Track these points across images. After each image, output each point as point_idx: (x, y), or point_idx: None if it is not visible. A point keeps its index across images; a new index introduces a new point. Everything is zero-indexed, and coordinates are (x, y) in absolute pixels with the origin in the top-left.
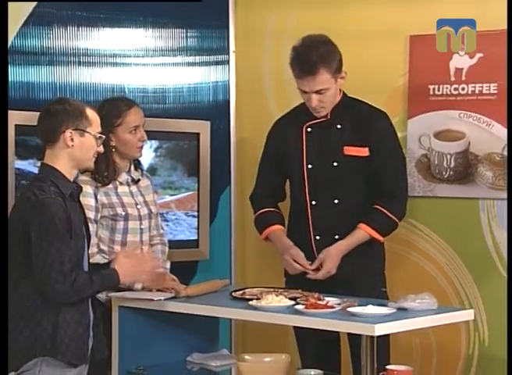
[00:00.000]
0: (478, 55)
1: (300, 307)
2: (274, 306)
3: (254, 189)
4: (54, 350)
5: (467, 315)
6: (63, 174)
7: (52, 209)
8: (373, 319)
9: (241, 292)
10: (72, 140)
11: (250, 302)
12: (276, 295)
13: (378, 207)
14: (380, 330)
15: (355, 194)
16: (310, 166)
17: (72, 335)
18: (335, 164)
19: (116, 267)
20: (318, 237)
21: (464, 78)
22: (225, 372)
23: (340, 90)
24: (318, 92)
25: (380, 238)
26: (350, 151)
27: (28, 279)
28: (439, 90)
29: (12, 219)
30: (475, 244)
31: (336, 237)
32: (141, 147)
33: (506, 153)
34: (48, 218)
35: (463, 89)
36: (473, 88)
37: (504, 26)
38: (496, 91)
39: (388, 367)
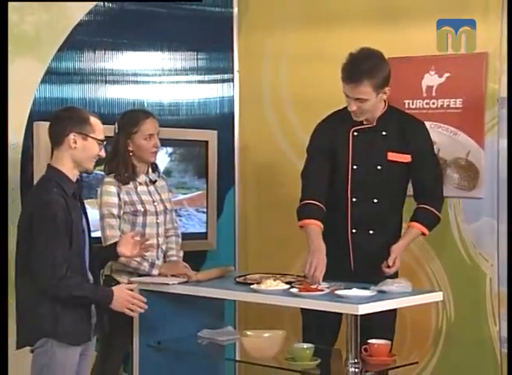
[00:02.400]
0: (446, 74)
1: (294, 290)
2: (272, 289)
3: (304, 188)
4: (56, 332)
5: (437, 296)
6: (67, 175)
7: (53, 209)
8: (357, 301)
9: (244, 277)
10: (75, 142)
11: (252, 286)
12: (274, 280)
13: (425, 206)
14: (363, 309)
15: (392, 196)
16: (355, 167)
17: (73, 318)
18: (378, 167)
19: (115, 291)
20: (354, 231)
21: (434, 94)
22: (230, 345)
23: (385, 101)
24: (357, 100)
25: (427, 234)
26: (393, 156)
27: (30, 267)
28: (413, 104)
29: (22, 216)
30: (444, 236)
31: (371, 232)
32: (155, 152)
33: (469, 158)
34: (49, 216)
35: (433, 103)
36: (442, 103)
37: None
38: (461, 105)
39: (369, 341)
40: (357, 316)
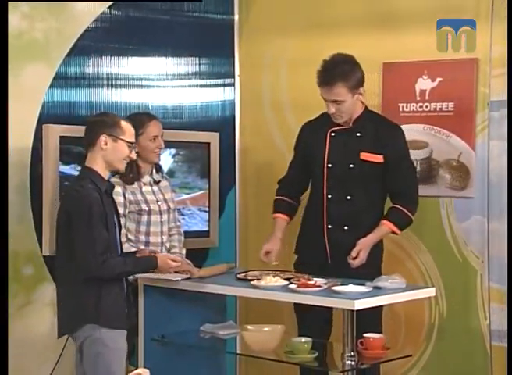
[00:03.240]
0: (439, 79)
1: (293, 286)
2: (271, 285)
3: (281, 181)
4: (97, 317)
5: (430, 292)
6: (99, 173)
7: (89, 202)
8: (353, 296)
9: (244, 274)
10: (105, 143)
11: (252, 282)
12: (273, 276)
13: (397, 206)
14: (359, 304)
15: (365, 193)
16: (330, 165)
17: (112, 305)
18: (351, 166)
19: (158, 257)
20: (329, 226)
21: (427, 98)
22: (232, 339)
23: (363, 103)
24: (334, 102)
25: (398, 232)
26: (366, 156)
27: (72, 258)
28: (407, 107)
29: (60, 211)
30: (436, 234)
31: (345, 228)
32: (159, 153)
33: (461, 159)
34: (86, 208)
35: (426, 107)
36: (434, 106)
37: (459, 56)
38: (453, 109)
39: (365, 335)
40: (353, 311)
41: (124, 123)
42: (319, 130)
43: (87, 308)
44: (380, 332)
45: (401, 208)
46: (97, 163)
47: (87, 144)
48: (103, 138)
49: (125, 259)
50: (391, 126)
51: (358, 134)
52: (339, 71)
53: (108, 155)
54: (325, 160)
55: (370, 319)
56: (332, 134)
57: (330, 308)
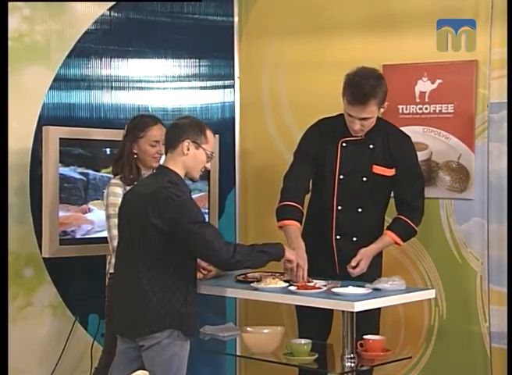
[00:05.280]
0: (438, 81)
1: (292, 288)
2: (271, 287)
3: (285, 187)
4: (181, 324)
5: (430, 294)
6: (181, 176)
7: (192, 205)
8: (353, 298)
9: (244, 276)
10: (188, 149)
11: (252, 284)
12: (273, 278)
13: (402, 217)
14: (359, 306)
15: (375, 206)
16: (341, 177)
17: (192, 313)
18: (364, 179)
19: (285, 246)
20: (338, 237)
21: (426, 100)
22: (231, 341)
23: None
24: (362, 119)
25: (401, 244)
26: (378, 170)
27: (161, 263)
28: (406, 109)
29: (151, 214)
30: (436, 235)
31: (354, 239)
32: (158, 158)
33: (461, 161)
34: (193, 212)
35: (426, 109)
36: (434, 108)
37: (459, 58)
38: (452, 111)
39: (364, 337)
40: (353, 312)
41: (209, 132)
42: (328, 138)
43: (174, 314)
44: (378, 333)
45: (406, 219)
46: (177, 167)
47: (168, 145)
48: (186, 143)
49: (251, 245)
50: (401, 137)
51: (371, 146)
52: (371, 88)
53: (188, 161)
54: (337, 171)
55: (368, 320)
56: (344, 145)
57: (330, 310)
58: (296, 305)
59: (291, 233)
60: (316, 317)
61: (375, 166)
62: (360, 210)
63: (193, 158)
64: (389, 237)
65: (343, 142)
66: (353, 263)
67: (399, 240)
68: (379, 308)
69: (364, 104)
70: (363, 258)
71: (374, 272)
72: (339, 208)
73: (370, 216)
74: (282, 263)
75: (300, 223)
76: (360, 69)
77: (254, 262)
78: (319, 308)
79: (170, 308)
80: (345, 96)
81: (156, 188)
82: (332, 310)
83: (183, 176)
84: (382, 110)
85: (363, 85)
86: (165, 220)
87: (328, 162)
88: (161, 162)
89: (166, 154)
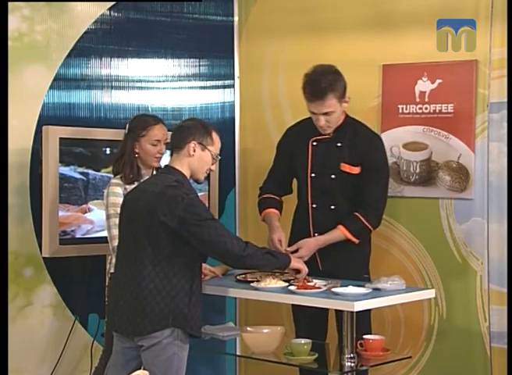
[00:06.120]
0: (438, 80)
1: (292, 288)
2: (271, 287)
3: (264, 182)
4: (184, 323)
5: (429, 293)
6: (186, 176)
7: (199, 203)
8: (352, 298)
9: (244, 275)
10: (194, 150)
11: (252, 284)
12: (273, 278)
13: (357, 214)
14: (358, 306)
15: (348, 203)
16: (313, 175)
17: (197, 313)
18: (333, 177)
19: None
20: (316, 234)
21: (426, 99)
22: (231, 341)
23: (343, 111)
24: (325, 114)
25: (354, 240)
26: (345, 168)
27: (168, 261)
28: (406, 109)
29: (159, 212)
30: (436, 235)
31: None
32: (159, 158)
33: (461, 161)
34: (203, 209)
35: (426, 108)
36: (434, 108)
37: (459, 57)
38: (452, 110)
39: (364, 337)
40: (353, 312)
41: (215, 135)
42: (302, 138)
43: (177, 313)
44: (370, 333)
45: (360, 216)
46: (183, 167)
47: (175, 146)
48: (192, 145)
49: (260, 248)
50: (369, 136)
51: (338, 144)
52: (327, 82)
53: (194, 162)
54: (309, 170)
55: (360, 320)
56: (314, 144)
57: (326, 310)
58: (292, 306)
59: (270, 217)
60: (311, 317)
61: (342, 164)
62: (333, 207)
63: (199, 160)
64: (339, 231)
65: (313, 141)
66: (290, 249)
67: (349, 235)
68: (370, 310)
69: (322, 98)
70: (303, 247)
71: (358, 269)
72: (314, 206)
73: (344, 214)
74: None
75: (280, 211)
76: (316, 66)
77: (262, 262)
78: (314, 307)
79: (174, 307)
80: (304, 94)
81: (164, 187)
82: (328, 310)
83: (188, 177)
84: (345, 105)
85: (320, 80)
86: (174, 218)
87: (301, 161)
88: (164, 162)
89: (172, 155)
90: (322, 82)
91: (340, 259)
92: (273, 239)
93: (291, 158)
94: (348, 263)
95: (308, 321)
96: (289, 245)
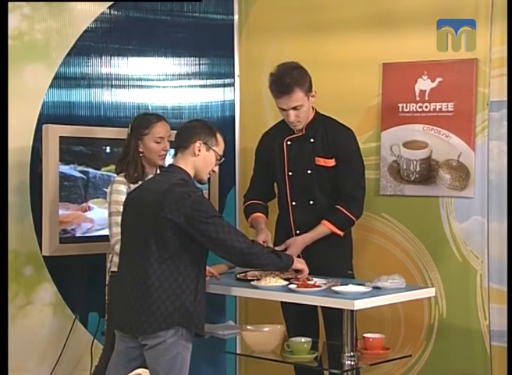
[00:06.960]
0: (438, 79)
1: (292, 286)
2: (271, 286)
3: (247, 191)
4: (189, 322)
5: (430, 292)
6: (192, 178)
7: (206, 200)
8: (353, 296)
9: (244, 274)
10: (199, 150)
11: (252, 282)
12: (273, 277)
13: (339, 207)
14: (359, 305)
15: (326, 197)
16: (290, 174)
17: (201, 312)
18: (309, 172)
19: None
20: (297, 232)
21: (426, 98)
22: (231, 339)
23: (313, 108)
24: (294, 108)
25: (339, 233)
26: (320, 161)
27: (174, 259)
28: (406, 108)
29: (166, 209)
30: (436, 234)
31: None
32: (164, 155)
33: (461, 159)
34: (210, 206)
35: (426, 107)
36: (434, 106)
37: (459, 56)
38: (452, 109)
39: (364, 335)
40: (353, 311)
41: (219, 136)
42: (276, 141)
43: (183, 312)
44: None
45: (342, 208)
46: (188, 167)
47: (179, 145)
48: (197, 144)
49: (264, 248)
50: (340, 129)
51: (311, 140)
52: (292, 77)
53: (199, 162)
54: (286, 169)
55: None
56: (288, 143)
57: (315, 308)
58: (281, 303)
59: (258, 221)
60: (300, 315)
61: (316, 158)
62: (311, 202)
63: (203, 160)
64: (324, 226)
65: (287, 141)
66: (278, 248)
67: (335, 229)
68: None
69: (289, 93)
70: (291, 246)
71: (342, 266)
72: (294, 203)
73: (323, 208)
74: None
75: (266, 215)
76: (280, 65)
77: (267, 261)
78: (301, 305)
79: (179, 306)
80: (272, 92)
81: (170, 185)
82: (316, 308)
83: (192, 177)
84: (312, 99)
85: (284, 76)
86: (181, 215)
87: (277, 162)
88: (168, 160)
89: (176, 154)
90: (287, 78)
91: (323, 257)
92: (257, 240)
93: (269, 163)
94: (331, 261)
95: (297, 319)
96: (274, 245)
